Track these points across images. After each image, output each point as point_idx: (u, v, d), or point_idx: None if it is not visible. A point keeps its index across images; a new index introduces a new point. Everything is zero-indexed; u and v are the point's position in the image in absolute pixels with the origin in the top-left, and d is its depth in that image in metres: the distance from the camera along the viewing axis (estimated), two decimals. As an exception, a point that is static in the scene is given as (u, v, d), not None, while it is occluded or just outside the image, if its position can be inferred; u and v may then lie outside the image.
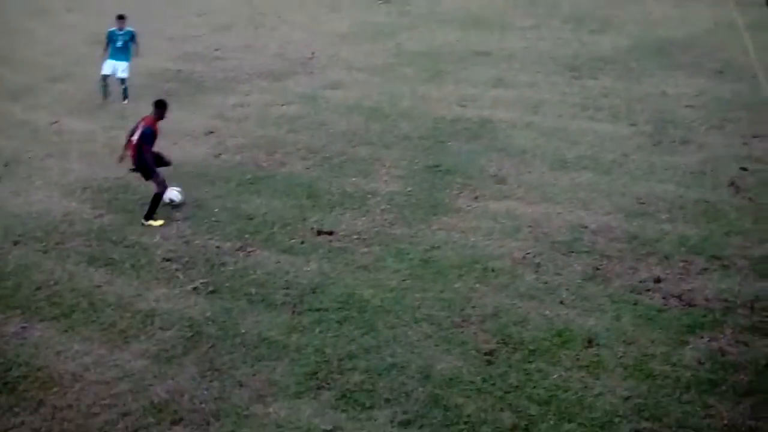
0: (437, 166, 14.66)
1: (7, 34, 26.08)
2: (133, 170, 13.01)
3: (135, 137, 12.61)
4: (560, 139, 15.91)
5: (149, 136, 12.54)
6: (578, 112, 17.51)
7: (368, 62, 21.72)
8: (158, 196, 12.68)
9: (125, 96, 18.31)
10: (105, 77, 18.41)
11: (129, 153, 12.81)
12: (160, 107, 12.79)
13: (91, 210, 13.10)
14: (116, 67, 18.40)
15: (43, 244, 12.01)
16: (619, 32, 24.84)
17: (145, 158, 12.59)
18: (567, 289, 10.59)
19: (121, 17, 18.49)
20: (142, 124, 12.66)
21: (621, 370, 9.02)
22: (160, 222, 12.59)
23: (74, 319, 10.12)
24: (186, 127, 16.75)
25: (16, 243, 12.04)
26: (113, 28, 18.41)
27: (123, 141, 13.25)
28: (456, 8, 28.79)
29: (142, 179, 12.94)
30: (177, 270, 11.24)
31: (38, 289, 10.79)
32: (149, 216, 12.62)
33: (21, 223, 12.64)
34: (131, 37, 18.55)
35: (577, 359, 9.22)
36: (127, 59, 18.44)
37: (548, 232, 12.14)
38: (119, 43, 18.34)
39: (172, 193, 13.05)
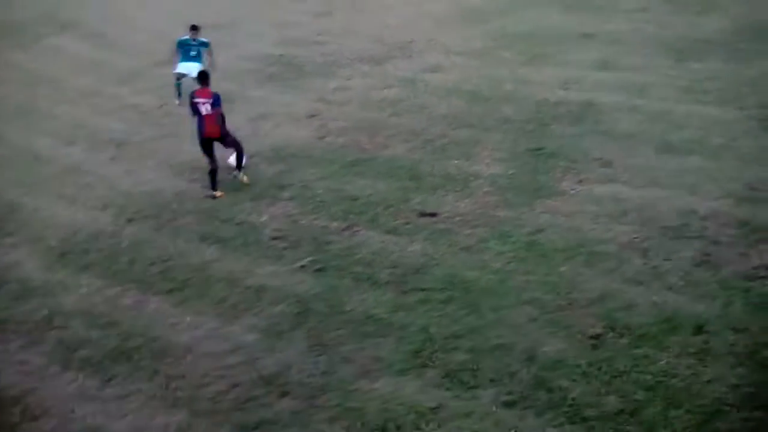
0: (540, 149, 14.55)
1: (114, 21, 26.94)
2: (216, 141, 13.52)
3: (210, 110, 13.09)
4: (666, 122, 15.56)
5: (220, 100, 13.31)
6: (684, 96, 17.07)
7: (467, 45, 21.63)
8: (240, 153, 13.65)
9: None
10: (181, 75, 18.04)
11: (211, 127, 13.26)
12: (205, 78, 13.59)
13: (201, 189, 13.50)
14: (191, 68, 17.55)
15: (156, 221, 12.46)
16: (724, 14, 24.07)
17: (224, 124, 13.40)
18: (676, 275, 10.40)
19: (194, 28, 18.18)
20: (206, 99, 13.18)
21: (731, 358, 8.80)
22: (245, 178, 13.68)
23: (187, 293, 10.49)
24: (289, 110, 17.09)
25: (130, 220, 12.53)
26: (185, 37, 18.12)
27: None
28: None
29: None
30: (284, 248, 11.51)
31: (152, 264, 11.22)
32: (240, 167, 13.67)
33: (134, 202, 13.14)
34: (204, 47, 18.11)
35: (686, 346, 9.04)
36: (200, 62, 17.75)
37: (655, 216, 11.93)
38: (193, 52, 18.04)
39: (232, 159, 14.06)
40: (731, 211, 12.02)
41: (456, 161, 14.25)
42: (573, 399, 8.34)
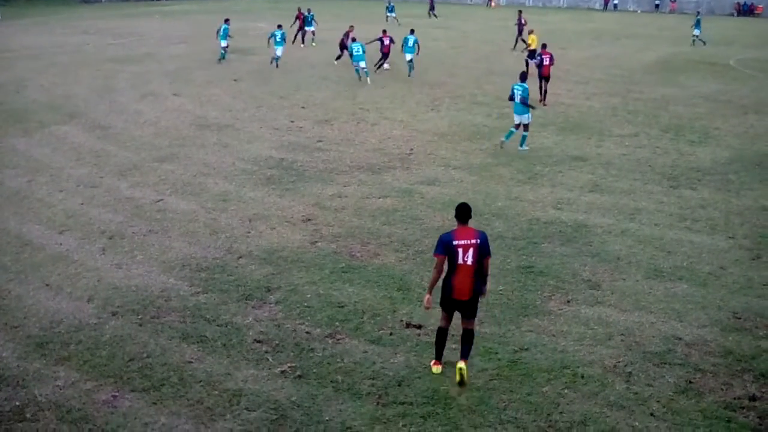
0: (530, 267, 14.60)
1: (119, 114, 27.44)
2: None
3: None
4: (656, 248, 15.69)
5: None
6: (675, 222, 17.27)
7: (465, 161, 21.99)
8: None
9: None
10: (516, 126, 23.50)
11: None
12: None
13: (188, 287, 13.45)
14: (522, 118, 22.97)
15: (140, 317, 12.36)
16: (718, 144, 24.63)
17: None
18: (658, 401, 10.29)
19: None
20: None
21: (713, 490, 8.67)
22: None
23: (164, 392, 10.30)
24: (285, 214, 17.20)
25: (113, 314, 12.42)
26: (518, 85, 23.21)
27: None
28: (555, 113, 29.06)
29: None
30: (267, 352, 11.38)
31: (131, 360, 11.06)
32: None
33: (120, 296, 13.06)
34: (525, 92, 22.85)
35: (667, 475, 8.91)
36: (526, 112, 22.94)
37: (641, 341, 11.90)
38: (518, 99, 22.88)
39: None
40: (716, 339, 12.00)
41: (445, 274, 14.24)
42: None
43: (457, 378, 10.56)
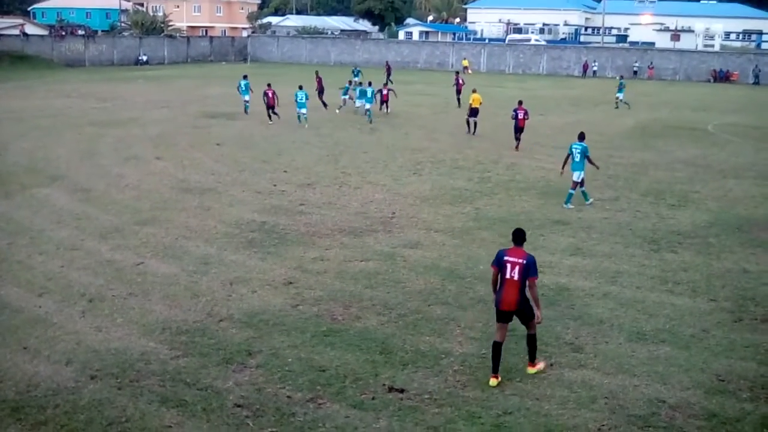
0: (512, 330, 14.50)
1: (101, 177, 27.42)
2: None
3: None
4: (638, 310, 15.71)
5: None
6: (657, 285, 17.32)
7: (447, 224, 22.05)
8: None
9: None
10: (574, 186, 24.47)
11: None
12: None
13: (168, 351, 13.31)
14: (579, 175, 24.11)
15: (118, 380, 12.20)
16: (698, 208, 24.85)
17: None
18: (643, 466, 10.24)
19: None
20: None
21: None
22: None
23: (142, 459, 10.14)
24: (266, 277, 17.14)
25: (92, 378, 12.26)
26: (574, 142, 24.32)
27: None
28: (536, 177, 29.30)
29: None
30: (247, 417, 11.23)
31: (109, 425, 10.88)
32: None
33: (99, 359, 12.90)
34: (585, 150, 24.03)
35: None
36: (581, 169, 24.08)
37: (624, 404, 11.83)
38: (577, 158, 23.95)
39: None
40: (700, 402, 11.96)
41: (428, 337, 14.20)
42: None
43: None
